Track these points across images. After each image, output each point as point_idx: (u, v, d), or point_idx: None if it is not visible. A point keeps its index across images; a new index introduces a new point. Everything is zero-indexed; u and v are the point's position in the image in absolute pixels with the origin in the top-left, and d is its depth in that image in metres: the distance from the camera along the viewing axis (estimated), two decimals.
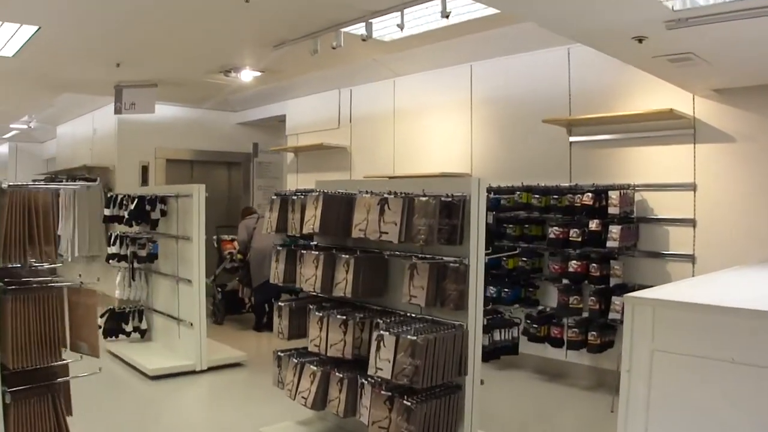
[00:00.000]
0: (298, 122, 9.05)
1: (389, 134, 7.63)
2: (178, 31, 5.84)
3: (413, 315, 3.59)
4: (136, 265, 6.57)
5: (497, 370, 5.81)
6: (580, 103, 5.77)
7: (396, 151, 7.55)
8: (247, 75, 7.53)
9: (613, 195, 5.12)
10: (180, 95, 9.04)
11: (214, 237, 8.71)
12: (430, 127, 7.16)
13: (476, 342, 3.47)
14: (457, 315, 3.40)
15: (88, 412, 4.72)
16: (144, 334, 6.74)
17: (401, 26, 4.98)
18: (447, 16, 4.64)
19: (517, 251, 5.73)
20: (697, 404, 2.46)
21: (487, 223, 3.56)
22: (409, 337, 3.18)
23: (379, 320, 3.49)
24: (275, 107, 9.51)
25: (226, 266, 8.53)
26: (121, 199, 6.62)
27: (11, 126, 12.19)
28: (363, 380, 3.55)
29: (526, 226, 5.79)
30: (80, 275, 2.85)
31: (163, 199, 6.31)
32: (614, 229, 5.07)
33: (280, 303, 4.21)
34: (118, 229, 6.90)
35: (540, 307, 5.84)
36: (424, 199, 3.39)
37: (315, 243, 4.27)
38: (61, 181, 9.57)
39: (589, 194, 5.25)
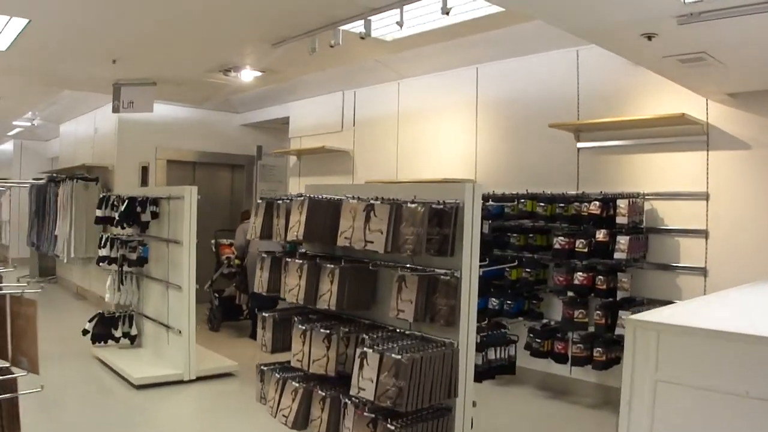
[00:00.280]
0: (301, 125, 8.87)
1: (392, 138, 7.44)
2: (173, 25, 5.66)
3: (401, 330, 3.36)
4: (126, 268, 6.37)
5: (497, 386, 5.57)
6: (588, 107, 5.60)
7: (399, 155, 7.36)
8: (248, 75, 7.36)
9: (622, 204, 4.96)
10: (181, 95, 8.88)
11: (213, 241, 8.53)
12: (434, 132, 6.96)
13: (468, 361, 3.23)
14: (448, 332, 3.17)
15: (62, 423, 4.58)
16: (134, 340, 6.54)
17: (400, 24, 4.84)
18: (447, 13, 4.48)
19: (515, 263, 5.54)
20: None
21: (482, 233, 3.32)
22: (393, 355, 2.95)
23: (365, 335, 3.26)
24: (278, 109, 9.35)
25: (224, 271, 8.34)
26: (113, 200, 6.43)
27: (14, 123, 12.12)
28: (346, 400, 3.31)
29: (531, 235, 5.63)
30: (28, 282, 2.62)
31: (155, 201, 6.11)
32: (622, 240, 4.89)
33: (264, 314, 3.98)
34: (113, 231, 6.72)
35: (544, 321, 5.65)
36: (412, 206, 3.16)
37: (304, 251, 4.04)
38: (61, 181, 9.43)
39: (597, 203, 5.09)
